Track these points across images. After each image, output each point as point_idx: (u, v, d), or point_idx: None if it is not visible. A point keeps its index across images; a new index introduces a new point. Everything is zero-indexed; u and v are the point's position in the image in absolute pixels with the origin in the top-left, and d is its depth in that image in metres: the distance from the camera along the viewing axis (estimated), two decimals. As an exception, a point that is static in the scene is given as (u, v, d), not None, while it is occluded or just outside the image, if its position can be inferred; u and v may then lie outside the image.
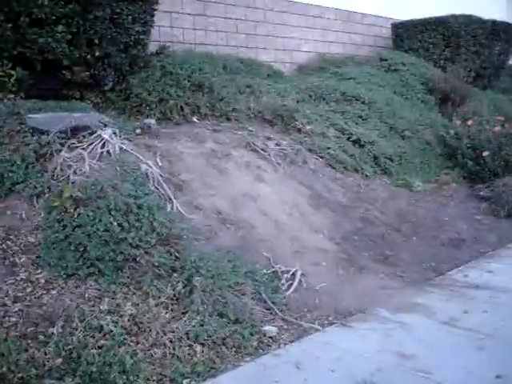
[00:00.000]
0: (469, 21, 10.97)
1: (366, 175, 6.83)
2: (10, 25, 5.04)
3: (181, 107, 6.25)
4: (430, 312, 4.05)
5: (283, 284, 4.32)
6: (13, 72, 5.20)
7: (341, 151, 6.84)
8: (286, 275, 4.42)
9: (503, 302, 4.22)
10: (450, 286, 4.62)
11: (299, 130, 6.92)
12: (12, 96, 5.19)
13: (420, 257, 5.30)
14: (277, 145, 6.21)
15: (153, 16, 6.35)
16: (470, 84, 10.32)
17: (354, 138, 7.23)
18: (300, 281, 4.40)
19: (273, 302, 3.97)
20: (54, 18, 5.22)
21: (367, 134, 7.41)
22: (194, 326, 3.46)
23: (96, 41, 5.61)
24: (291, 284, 4.34)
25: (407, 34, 11.27)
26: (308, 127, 6.97)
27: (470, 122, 8.18)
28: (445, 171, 7.81)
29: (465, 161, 7.69)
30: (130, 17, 5.82)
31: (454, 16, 10.90)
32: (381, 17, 11.90)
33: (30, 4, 5.05)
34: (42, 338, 3.12)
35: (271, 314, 3.89)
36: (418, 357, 3.35)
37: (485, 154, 7.42)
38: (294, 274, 4.44)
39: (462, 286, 4.60)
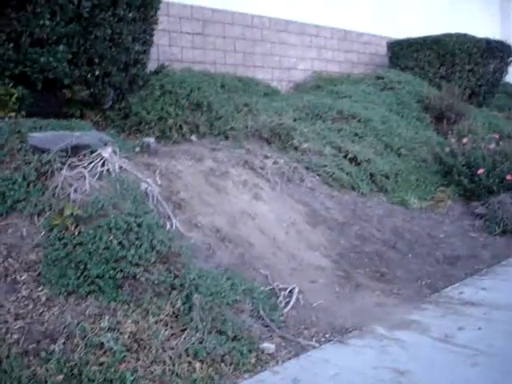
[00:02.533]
0: (463, 39, 11.12)
1: (363, 193, 6.89)
2: (11, 44, 5.11)
3: (180, 126, 6.33)
4: (426, 329, 4.10)
5: (281, 301, 4.36)
6: (14, 91, 5.25)
7: (337, 169, 6.91)
8: (283, 292, 4.46)
9: (498, 319, 4.28)
10: (445, 303, 4.67)
11: (296, 148, 7.00)
12: (13, 114, 5.25)
13: (415, 274, 5.35)
14: (274, 163, 6.28)
15: (152, 35, 6.44)
16: (465, 102, 10.41)
17: (350, 155, 7.30)
18: (297, 298, 4.44)
19: (271, 320, 4.02)
20: (55, 37, 5.29)
21: (363, 151, 7.48)
22: (193, 343, 3.51)
23: (96, 60, 5.69)
24: (289, 301, 4.38)
25: (403, 53, 11.41)
26: (305, 145, 7.05)
27: (465, 140, 8.26)
28: (440, 188, 7.88)
29: (460, 178, 7.76)
30: (130, 36, 5.90)
31: (448, 35, 11.04)
32: (376, 35, 12.04)
33: (31, 24, 5.12)
34: (43, 354, 3.16)
35: (269, 331, 3.93)
36: (413, 373, 3.40)
37: (480, 171, 7.49)
38: (291, 292, 4.49)
39: (457, 303, 4.65)
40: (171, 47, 8.51)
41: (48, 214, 4.16)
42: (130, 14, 5.81)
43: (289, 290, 4.51)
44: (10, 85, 5.23)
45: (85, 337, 3.34)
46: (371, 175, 7.25)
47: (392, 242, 5.95)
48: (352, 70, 11.71)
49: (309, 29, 10.79)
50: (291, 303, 4.36)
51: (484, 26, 12.81)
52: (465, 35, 11.16)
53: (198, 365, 3.39)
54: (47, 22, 5.16)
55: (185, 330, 3.63)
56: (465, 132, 8.82)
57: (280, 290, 4.50)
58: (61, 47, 5.33)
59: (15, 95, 5.25)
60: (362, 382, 3.30)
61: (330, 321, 4.22)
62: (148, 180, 4.82)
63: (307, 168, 6.69)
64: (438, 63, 11.14)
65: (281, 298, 4.40)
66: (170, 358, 3.38)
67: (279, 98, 8.92)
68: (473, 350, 3.69)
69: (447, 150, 8.28)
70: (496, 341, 3.84)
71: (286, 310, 4.28)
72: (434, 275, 5.34)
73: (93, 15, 5.43)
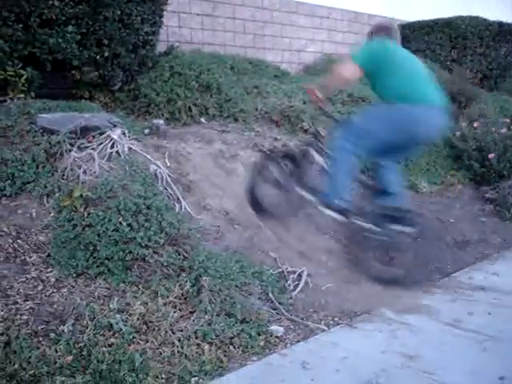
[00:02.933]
0: (475, 22, 10.97)
1: (373, 176, 6.85)
2: (20, 25, 5.08)
3: (189, 108, 6.29)
4: (435, 313, 4.09)
5: (289, 284, 4.37)
6: (23, 72, 5.23)
7: (347, 152, 6.86)
8: (292, 276, 4.46)
9: (507, 304, 4.26)
10: (455, 288, 4.65)
11: (306, 131, 6.94)
12: (22, 96, 5.23)
13: (425, 258, 5.32)
14: (284, 145, 6.24)
15: (161, 17, 6.39)
16: (476, 86, 10.31)
17: (360, 139, 7.25)
18: (306, 281, 4.44)
19: (279, 303, 4.02)
20: (64, 18, 5.26)
21: (373, 135, 7.42)
22: (201, 325, 3.51)
23: (105, 41, 5.66)
24: (297, 284, 4.38)
25: (414, 36, 11.28)
26: (315, 128, 7.00)
27: (476, 124, 8.19)
28: (451, 173, 7.82)
29: (471, 163, 7.70)
30: (139, 17, 5.86)
31: (460, 18, 10.90)
32: (388, 18, 11.90)
33: (40, 5, 5.08)
34: (53, 335, 3.17)
35: (278, 314, 3.93)
36: (422, 357, 3.40)
37: (490, 155, 7.43)
38: (300, 275, 4.49)
39: (467, 288, 4.64)
40: (181, 28, 8.45)
41: (57, 195, 4.17)
42: (140, -5, 5.78)
43: (297, 273, 4.51)
44: (19, 66, 5.21)
45: (94, 318, 3.35)
46: (381, 158, 7.20)
47: (401, 226, 5.92)
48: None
49: (319, 10, 10.68)
50: (300, 286, 4.36)
51: (497, 8, 12.64)
52: (477, 18, 11.02)
53: (206, 347, 3.39)
54: (56, 3, 5.12)
55: (193, 312, 3.64)
56: (476, 116, 8.74)
57: (289, 273, 4.50)
58: (70, 28, 5.29)
59: (24, 76, 5.23)
60: (370, 367, 3.29)
61: (339, 304, 4.22)
62: (157, 162, 4.82)
63: (317, 151, 6.64)
64: (450, 46, 11.01)
65: (289, 281, 4.40)
66: (179, 339, 3.39)
67: (289, 80, 8.84)
68: (482, 335, 3.68)
69: (458, 134, 8.20)
70: (506, 326, 3.82)
71: (294, 292, 4.28)
72: (443, 260, 5.32)
73: (102, -5, 5.40)
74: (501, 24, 11.34)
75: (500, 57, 11.59)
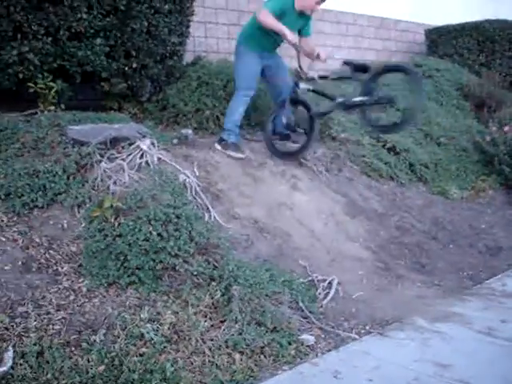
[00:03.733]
0: (504, 25, 10.85)
1: (402, 183, 6.80)
2: (49, 38, 5.16)
3: (217, 117, 6.31)
4: (468, 321, 4.02)
5: (320, 293, 4.34)
6: (53, 84, 5.32)
7: (376, 159, 6.83)
8: (322, 284, 4.44)
9: (542, 312, 4.18)
10: (488, 295, 4.58)
11: (334, 138, 6.93)
12: (52, 108, 5.32)
13: (457, 265, 5.27)
14: (312, 153, 6.23)
15: (188, 27, 6.45)
16: (505, 89, 10.18)
17: (388, 145, 7.21)
18: (336, 290, 4.41)
19: (310, 311, 3.99)
20: (93, 31, 5.33)
21: (402, 141, 7.38)
22: (232, 335, 3.50)
23: (133, 53, 5.72)
24: (328, 293, 4.35)
25: (441, 40, 11.19)
26: (343, 135, 6.98)
27: (506, 128, 8.09)
28: (481, 178, 7.74)
29: (502, 167, 7.61)
30: (167, 28, 5.92)
31: (488, 21, 10.79)
32: (414, 23, 11.84)
33: (69, 18, 5.16)
34: (85, 345, 3.19)
35: (308, 322, 3.91)
36: (455, 366, 3.34)
37: (522, 160, 7.35)
38: (330, 283, 4.46)
39: (500, 295, 4.56)
40: (207, 38, 8.50)
41: (88, 205, 4.21)
42: (166, 6, 5.83)
43: (328, 281, 4.48)
44: (49, 78, 5.29)
45: (125, 328, 3.36)
46: (410, 165, 7.15)
47: (432, 232, 5.87)
48: (390, 58, 11.54)
49: (345, 17, 10.67)
50: (330, 295, 4.33)
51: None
52: (505, 21, 10.88)
53: (237, 356, 3.38)
54: (84, 16, 5.20)
55: (224, 321, 3.63)
56: (506, 120, 8.63)
57: (319, 281, 4.47)
58: (98, 40, 5.37)
59: (54, 89, 5.32)
60: (403, 376, 3.25)
61: (370, 313, 4.18)
62: (186, 171, 4.84)
63: (345, 158, 6.63)
64: (478, 50, 10.90)
65: (320, 290, 4.37)
66: (210, 349, 3.38)
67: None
68: (517, 343, 3.62)
69: (488, 138, 8.12)
70: (541, 333, 3.76)
71: (325, 301, 4.25)
72: (475, 267, 5.25)
73: (129, 8, 5.46)
74: (529, 26, 11.20)
75: (530, 60, 11.44)
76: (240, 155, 5.78)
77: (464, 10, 11.50)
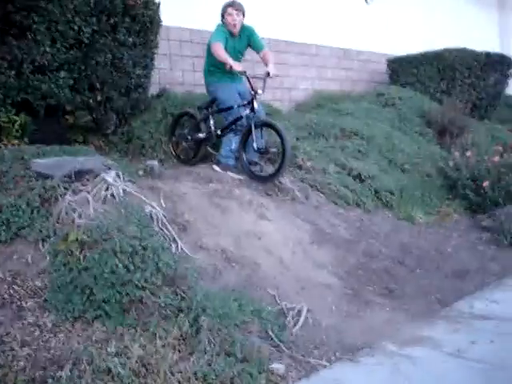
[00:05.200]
0: (463, 53, 11.16)
1: (368, 209, 6.85)
2: (13, 72, 5.15)
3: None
4: (437, 344, 4.04)
5: (289, 321, 4.31)
6: (16, 118, 5.29)
7: (342, 186, 6.88)
8: (291, 312, 4.41)
9: (509, 332, 4.22)
10: (456, 318, 4.61)
11: (300, 167, 6.98)
12: (16, 141, 5.28)
13: (425, 289, 5.30)
14: (279, 182, 6.26)
15: (153, 59, 6.49)
16: (467, 115, 10.41)
17: (354, 173, 7.28)
18: (306, 317, 4.39)
19: (280, 340, 3.96)
20: (57, 64, 5.34)
21: (367, 168, 7.46)
22: (201, 366, 3.45)
23: (98, 85, 5.74)
24: (297, 321, 4.32)
25: (403, 69, 11.44)
26: (308, 163, 7.03)
27: (468, 153, 8.25)
28: (446, 203, 7.85)
29: (465, 192, 7.74)
30: (131, 61, 5.95)
31: (448, 50, 11.08)
32: (376, 53, 12.09)
33: (32, 51, 5.17)
34: (50, 381, 3.11)
35: (278, 351, 3.88)
36: (426, 390, 3.35)
37: (485, 184, 7.47)
38: (299, 311, 4.44)
39: (468, 317, 4.60)
40: (172, 71, 8.55)
41: (52, 239, 4.14)
42: (131, 39, 5.87)
43: (297, 309, 4.46)
44: (13, 112, 5.27)
45: (92, 362, 3.29)
46: (376, 191, 7.22)
47: (400, 257, 5.91)
48: (353, 87, 11.74)
49: (309, 49, 10.85)
50: (300, 323, 4.31)
51: (483, 39, 12.85)
52: (464, 49, 11.20)
53: (207, 388, 3.34)
54: (48, 49, 5.21)
55: (193, 352, 3.58)
56: (468, 145, 8.81)
57: (288, 309, 4.45)
58: (62, 73, 5.37)
59: (18, 122, 5.29)
60: (374, 401, 3.25)
61: (340, 339, 4.17)
62: (152, 203, 4.80)
63: (312, 186, 6.66)
64: (439, 78, 11.17)
65: (289, 318, 4.35)
66: (179, 381, 3.33)
67: (281, 117, 8.92)
68: (487, 364, 3.64)
69: (451, 163, 8.26)
70: (510, 353, 3.79)
71: (294, 329, 4.22)
72: (443, 290, 5.29)
73: (93, 41, 5.49)
74: (488, 54, 11.55)
75: (489, 86, 11.77)
76: (240, 176, 6.18)
77: (424, 40, 11.80)
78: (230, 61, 5.92)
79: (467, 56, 11.18)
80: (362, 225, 6.43)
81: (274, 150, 6.20)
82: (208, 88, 6.61)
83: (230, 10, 6.35)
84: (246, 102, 6.17)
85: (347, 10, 11.50)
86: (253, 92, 6.07)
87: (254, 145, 6.04)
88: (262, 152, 6.19)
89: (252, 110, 6.07)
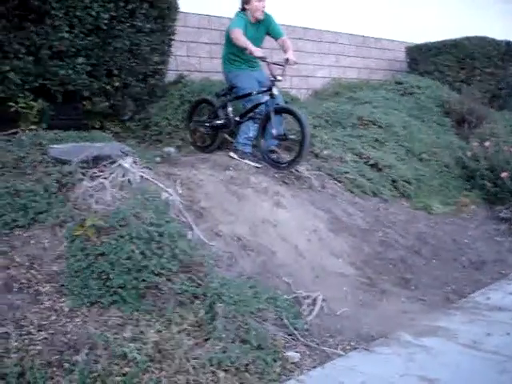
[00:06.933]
0: (483, 42, 11.03)
1: (385, 199, 6.82)
2: (31, 58, 5.16)
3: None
4: (453, 335, 4.02)
5: (304, 309, 4.32)
6: (34, 104, 5.31)
7: (359, 175, 6.85)
8: (307, 300, 4.41)
9: (526, 324, 4.19)
10: (472, 309, 4.59)
11: (317, 156, 6.95)
12: (34, 127, 5.30)
13: (441, 280, 5.28)
14: (295, 170, 6.24)
15: (170, 46, 6.48)
16: (485, 105, 10.31)
17: (371, 161, 7.25)
18: (321, 306, 4.39)
19: (295, 328, 3.96)
20: (74, 50, 5.34)
21: (385, 157, 7.42)
22: (216, 353, 3.46)
23: (115, 72, 5.74)
24: (312, 309, 4.33)
25: (422, 58, 11.33)
26: (325, 152, 7.01)
27: (487, 144, 8.17)
28: (464, 193, 7.79)
29: (483, 182, 7.67)
30: (148, 47, 5.94)
31: (468, 38, 10.96)
32: (395, 41, 11.99)
33: (50, 37, 5.17)
34: (67, 365, 3.13)
35: (293, 339, 3.88)
36: (441, 381, 3.33)
37: (503, 174, 7.39)
38: (315, 300, 4.44)
39: (485, 309, 4.57)
40: (189, 57, 8.54)
41: (70, 224, 4.16)
42: (148, 25, 5.86)
43: (312, 297, 4.46)
44: (31, 98, 5.28)
45: (108, 347, 3.31)
46: (393, 181, 7.18)
47: (416, 247, 5.88)
48: (370, 75, 11.66)
49: (326, 36, 10.77)
50: (315, 311, 4.31)
51: (504, 27, 12.67)
52: (484, 38, 11.07)
53: (221, 374, 3.34)
54: (66, 35, 5.21)
55: (208, 339, 3.59)
56: (486, 135, 8.72)
57: (303, 298, 4.45)
58: (80, 59, 5.37)
59: (36, 108, 5.30)
60: (389, 390, 3.24)
61: (355, 328, 4.16)
62: (169, 189, 4.82)
63: (328, 175, 6.64)
64: (458, 67, 11.05)
65: (304, 306, 4.35)
66: (194, 367, 3.34)
67: (298, 105, 8.88)
68: (502, 356, 3.61)
69: (469, 154, 8.19)
70: (525, 346, 3.76)
71: (309, 318, 4.23)
72: (459, 281, 5.26)
73: (111, 27, 5.48)
74: (508, 43, 11.39)
75: (509, 76, 11.62)
76: (257, 164, 6.17)
77: (444, 28, 11.67)
78: (250, 46, 5.86)
79: (487, 45, 11.05)
80: (378, 214, 6.40)
81: (292, 136, 6.16)
82: (227, 76, 6.57)
83: None
84: (265, 89, 6.12)
85: (366, -4, 11.39)
86: (272, 78, 6.01)
87: (274, 131, 5.96)
88: (281, 139, 6.14)
89: (271, 96, 6.02)
